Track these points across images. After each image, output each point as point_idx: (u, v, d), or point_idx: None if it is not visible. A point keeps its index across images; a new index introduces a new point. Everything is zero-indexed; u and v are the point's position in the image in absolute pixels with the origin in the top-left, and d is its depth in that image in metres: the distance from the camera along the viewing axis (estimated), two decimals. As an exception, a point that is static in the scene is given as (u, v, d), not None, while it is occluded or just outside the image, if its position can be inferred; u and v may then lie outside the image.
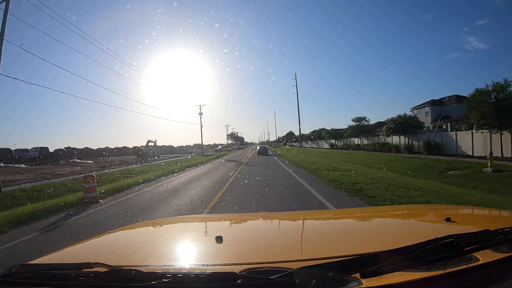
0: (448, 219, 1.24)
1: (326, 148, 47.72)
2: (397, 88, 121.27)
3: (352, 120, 35.66)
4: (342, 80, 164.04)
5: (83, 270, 0.80)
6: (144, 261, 1.04)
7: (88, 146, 51.01)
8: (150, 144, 39.15)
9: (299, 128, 60.93)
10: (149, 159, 33.33)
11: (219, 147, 74.77)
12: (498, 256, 0.84)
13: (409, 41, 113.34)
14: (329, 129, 48.99)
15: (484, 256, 0.83)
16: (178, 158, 38.00)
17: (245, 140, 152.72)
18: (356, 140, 36.12)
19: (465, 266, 0.79)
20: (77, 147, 46.95)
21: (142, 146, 39.96)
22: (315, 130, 58.43)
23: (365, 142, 33.80)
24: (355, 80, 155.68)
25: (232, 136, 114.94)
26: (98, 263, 0.79)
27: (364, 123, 35.08)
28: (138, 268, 0.76)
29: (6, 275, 0.80)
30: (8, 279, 0.79)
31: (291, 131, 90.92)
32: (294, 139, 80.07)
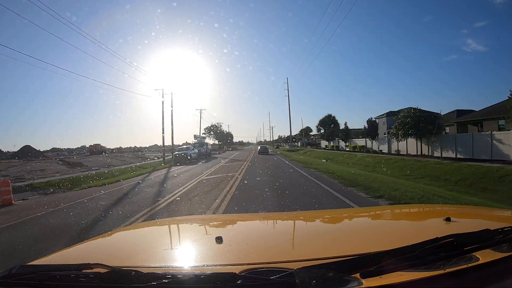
0: (448, 219, 1.24)
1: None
2: (396, 88, 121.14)
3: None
4: (340, 80, 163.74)
5: (83, 271, 0.79)
6: (144, 262, 1.04)
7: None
8: None
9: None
10: None
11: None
12: (498, 255, 0.84)
13: (408, 41, 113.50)
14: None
15: (484, 256, 0.83)
16: None
17: (234, 140, 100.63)
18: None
19: (465, 266, 0.79)
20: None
21: None
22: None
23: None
24: (354, 80, 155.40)
25: (213, 129, 70.26)
26: (98, 264, 0.79)
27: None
28: (138, 269, 0.76)
29: (6, 276, 0.80)
30: (8, 280, 0.79)
31: (330, 114, 44.11)
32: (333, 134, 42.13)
